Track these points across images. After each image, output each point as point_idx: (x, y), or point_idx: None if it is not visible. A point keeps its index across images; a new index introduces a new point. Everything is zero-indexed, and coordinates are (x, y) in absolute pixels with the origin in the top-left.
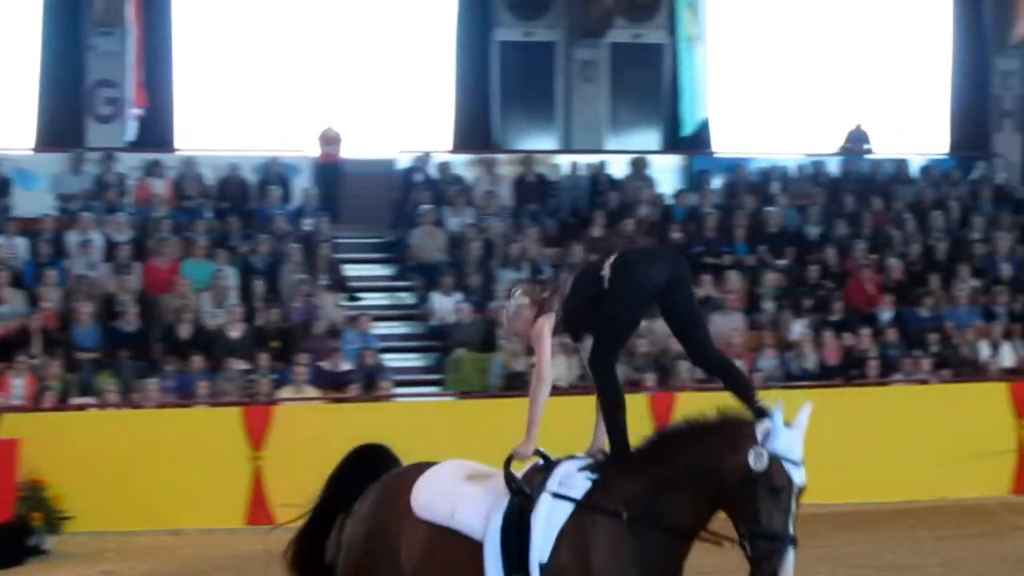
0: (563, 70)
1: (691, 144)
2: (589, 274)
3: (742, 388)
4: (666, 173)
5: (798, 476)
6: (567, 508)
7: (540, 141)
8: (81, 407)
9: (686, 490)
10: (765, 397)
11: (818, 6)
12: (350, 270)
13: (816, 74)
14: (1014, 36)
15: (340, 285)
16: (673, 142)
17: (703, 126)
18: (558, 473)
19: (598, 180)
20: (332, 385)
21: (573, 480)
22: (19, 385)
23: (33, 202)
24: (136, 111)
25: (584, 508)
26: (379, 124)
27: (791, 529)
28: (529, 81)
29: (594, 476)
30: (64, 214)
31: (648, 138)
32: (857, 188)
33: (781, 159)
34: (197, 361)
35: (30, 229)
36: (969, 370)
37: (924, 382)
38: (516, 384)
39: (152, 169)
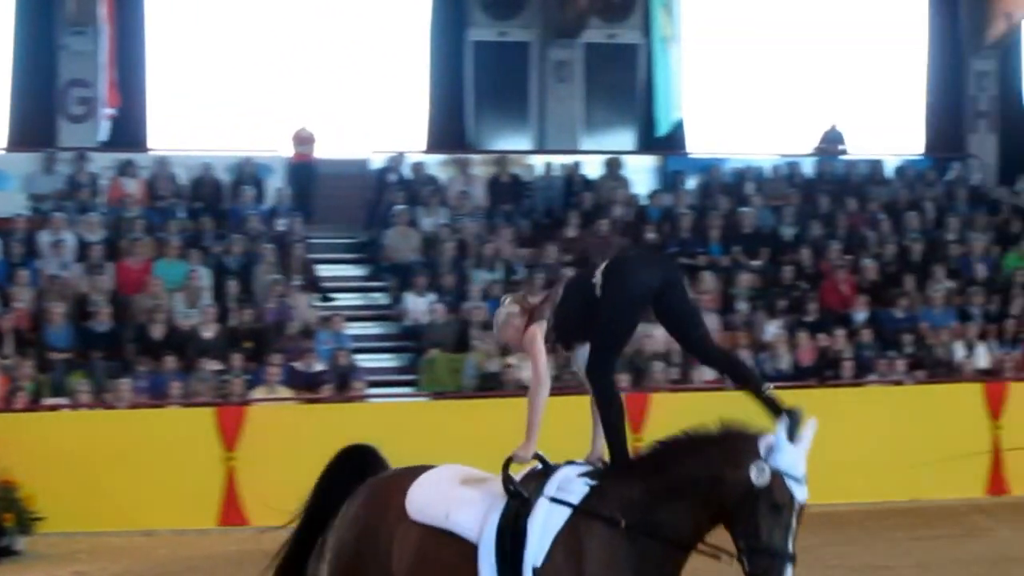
0: (537, 70)
1: (666, 144)
2: (581, 282)
3: (750, 381)
4: (640, 173)
5: (800, 493)
6: (564, 513)
7: (514, 141)
8: (53, 408)
9: (686, 501)
10: (778, 395)
11: (793, 7)
12: (323, 270)
13: (791, 74)
14: (989, 37)
15: (313, 285)
16: (648, 142)
17: (678, 126)
18: (556, 478)
19: (572, 180)
20: (305, 385)
21: (571, 485)
22: None
23: (5, 202)
24: (109, 111)
25: (581, 514)
26: (353, 124)
27: (791, 546)
28: (503, 81)
29: (593, 482)
30: (36, 214)
31: (623, 138)
32: (832, 189)
33: (756, 160)
34: (170, 361)
35: (2, 229)
36: (944, 371)
37: (899, 383)
38: (490, 385)
39: (125, 169)
